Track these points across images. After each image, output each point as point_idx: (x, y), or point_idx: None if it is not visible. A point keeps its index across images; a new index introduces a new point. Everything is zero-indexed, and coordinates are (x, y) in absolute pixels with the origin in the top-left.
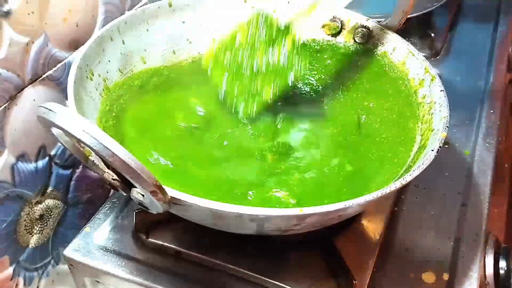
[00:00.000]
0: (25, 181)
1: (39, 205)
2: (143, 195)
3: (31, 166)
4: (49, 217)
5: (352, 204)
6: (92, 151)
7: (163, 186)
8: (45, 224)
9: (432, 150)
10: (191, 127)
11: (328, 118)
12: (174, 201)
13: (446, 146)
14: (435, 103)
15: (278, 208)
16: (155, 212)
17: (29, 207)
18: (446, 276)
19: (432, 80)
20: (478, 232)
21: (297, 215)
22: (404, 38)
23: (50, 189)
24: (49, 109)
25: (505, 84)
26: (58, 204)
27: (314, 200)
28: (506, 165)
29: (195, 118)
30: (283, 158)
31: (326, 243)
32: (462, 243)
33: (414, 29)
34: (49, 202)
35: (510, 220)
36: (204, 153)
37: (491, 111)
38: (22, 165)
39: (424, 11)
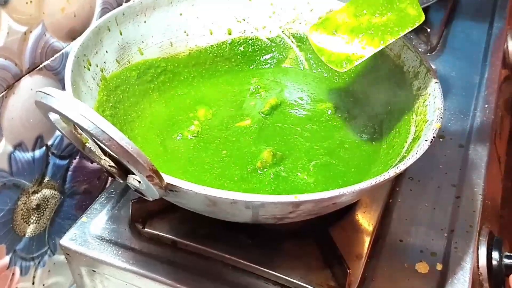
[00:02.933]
0: (22, 170)
1: (36, 195)
2: (139, 182)
3: (28, 155)
4: (46, 207)
5: (346, 191)
6: (89, 136)
7: (160, 172)
8: (42, 214)
9: (426, 140)
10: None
11: (325, 109)
12: (170, 187)
13: (441, 139)
14: (429, 95)
15: (274, 195)
16: (151, 199)
17: (26, 197)
18: (439, 267)
19: (427, 72)
20: (472, 224)
21: (292, 202)
22: None
23: (47, 179)
24: (47, 94)
25: (500, 80)
26: (55, 194)
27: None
28: (500, 159)
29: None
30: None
31: (321, 233)
32: (455, 235)
33: None
34: (46, 192)
35: (504, 213)
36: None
37: (486, 106)
38: (19, 154)
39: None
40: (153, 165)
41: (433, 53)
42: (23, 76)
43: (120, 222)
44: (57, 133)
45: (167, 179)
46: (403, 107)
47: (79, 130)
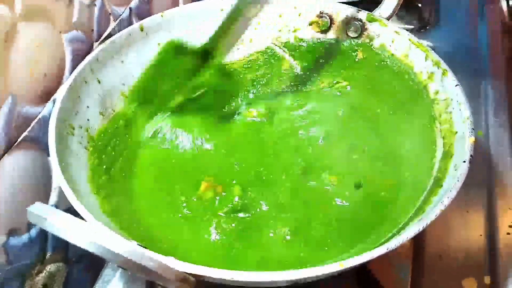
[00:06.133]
0: (21, 256)
1: (41, 274)
2: None
3: (24, 238)
4: (53, 283)
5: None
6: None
7: (187, 273)
8: None
9: (464, 162)
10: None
11: (333, 123)
12: (198, 278)
13: None
14: (451, 100)
15: (316, 267)
16: None
17: (30, 280)
18: (487, 280)
19: (443, 74)
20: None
21: (334, 271)
22: None
23: (48, 254)
24: (44, 218)
25: (504, 47)
26: (60, 266)
27: None
28: None
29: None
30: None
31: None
32: (497, 239)
33: None
34: (51, 267)
35: None
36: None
37: (497, 82)
38: (14, 241)
39: None
40: (179, 273)
41: (427, 28)
42: (1, 157)
43: (137, 285)
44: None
45: (195, 270)
46: (421, 114)
47: None
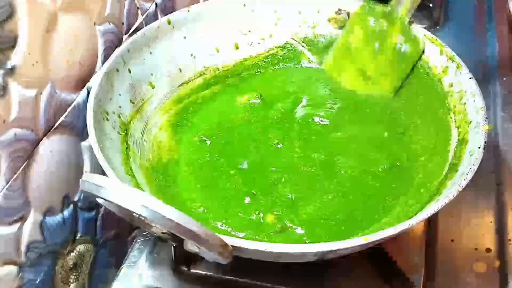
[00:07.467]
0: (55, 235)
1: (71, 254)
2: (199, 247)
3: (58, 218)
4: (82, 263)
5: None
6: (151, 223)
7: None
8: (80, 270)
9: (479, 147)
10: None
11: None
12: (236, 249)
13: None
14: (465, 92)
15: (342, 241)
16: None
17: (62, 259)
18: (497, 264)
19: (458, 68)
20: None
21: (361, 245)
22: None
23: (79, 235)
24: (98, 185)
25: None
26: (89, 247)
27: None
28: None
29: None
30: None
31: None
32: (506, 225)
33: None
34: (80, 248)
35: None
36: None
37: (504, 79)
38: (49, 220)
39: None
40: (222, 241)
41: (437, 27)
42: (41, 140)
43: (163, 266)
44: None
45: (232, 241)
46: (436, 105)
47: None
